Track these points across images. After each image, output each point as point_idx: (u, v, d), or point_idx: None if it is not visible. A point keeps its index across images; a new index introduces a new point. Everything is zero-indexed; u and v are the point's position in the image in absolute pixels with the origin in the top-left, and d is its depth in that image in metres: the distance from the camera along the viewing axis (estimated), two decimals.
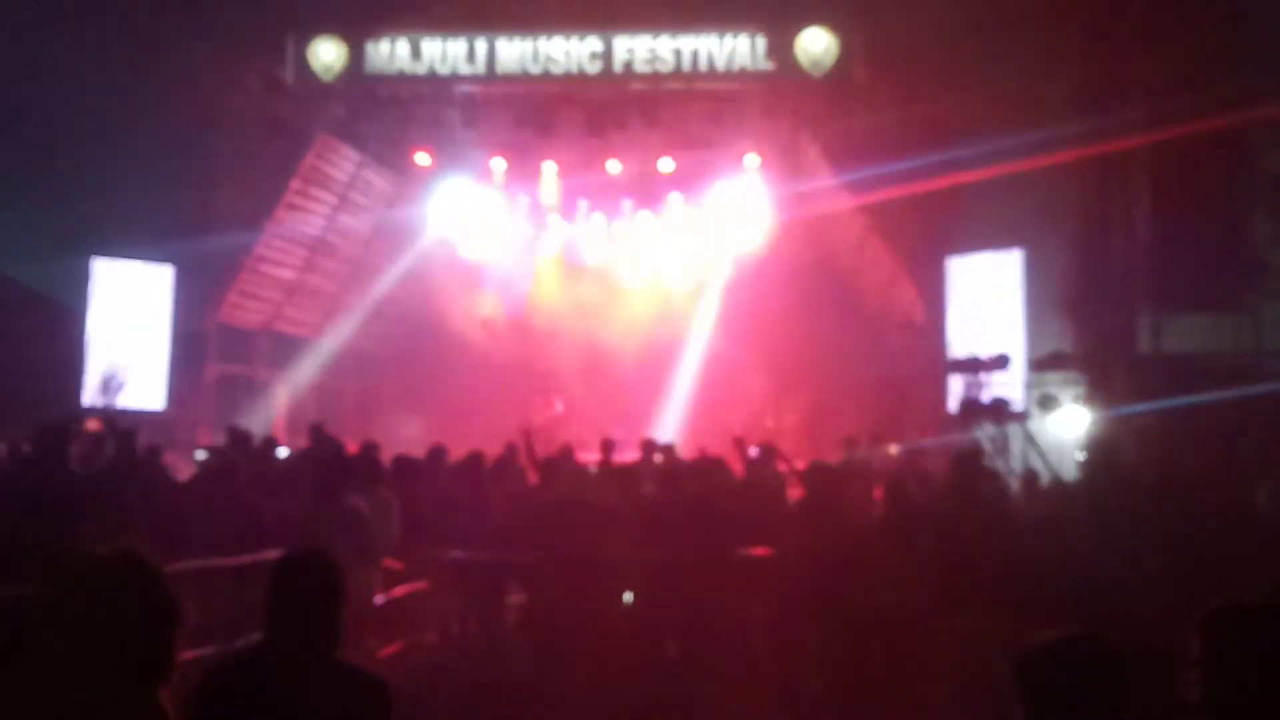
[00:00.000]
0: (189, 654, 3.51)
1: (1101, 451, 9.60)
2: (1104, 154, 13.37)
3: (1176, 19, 13.24)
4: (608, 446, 10.76)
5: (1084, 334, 13.61)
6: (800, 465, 8.89)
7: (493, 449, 10.50)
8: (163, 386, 16.88)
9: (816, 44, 16.06)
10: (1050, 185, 13.66)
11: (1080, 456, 11.27)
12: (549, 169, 19.52)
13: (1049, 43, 14.16)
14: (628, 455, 11.59)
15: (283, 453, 11.65)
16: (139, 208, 15.56)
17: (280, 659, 3.35)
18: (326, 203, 18.92)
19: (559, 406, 19.82)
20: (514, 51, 16.56)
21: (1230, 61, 12.86)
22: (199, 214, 16.69)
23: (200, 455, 10.51)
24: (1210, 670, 2.82)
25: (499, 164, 19.42)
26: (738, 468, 10.03)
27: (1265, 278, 12.88)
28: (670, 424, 18.94)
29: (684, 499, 7.88)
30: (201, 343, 17.43)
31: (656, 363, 20.54)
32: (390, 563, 7.80)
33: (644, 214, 20.70)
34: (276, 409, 18.94)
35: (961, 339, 16.02)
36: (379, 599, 7.54)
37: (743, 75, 16.30)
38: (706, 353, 20.33)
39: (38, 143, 14.05)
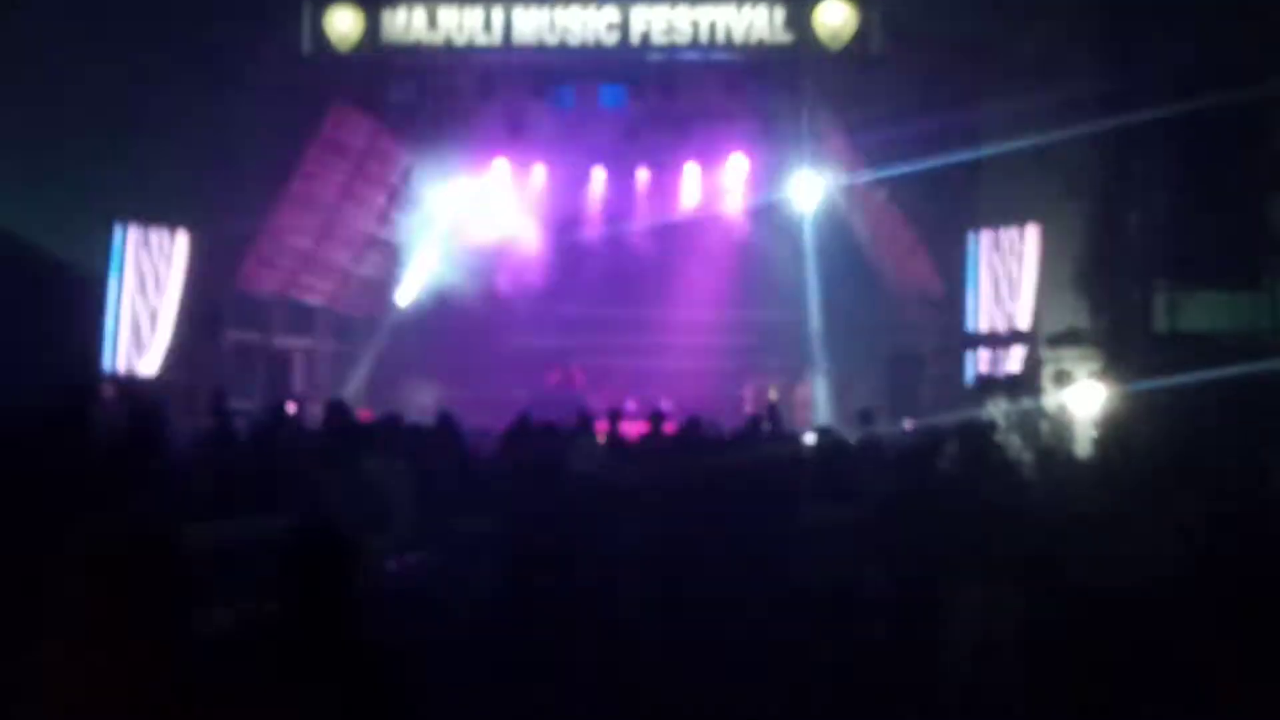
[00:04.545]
0: (202, 622, 3.56)
1: (1116, 428, 9.59)
2: (1123, 130, 13.28)
3: None
4: (615, 418, 10.79)
5: (1100, 310, 13.56)
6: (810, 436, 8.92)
7: (507, 420, 10.54)
8: (180, 354, 16.92)
9: (835, 16, 15.98)
10: (1069, 161, 13.58)
11: (1094, 433, 11.27)
12: (565, 140, 19.50)
13: (1070, 17, 14.05)
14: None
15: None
16: (157, 175, 15.60)
17: (292, 630, 3.39)
18: (343, 171, 18.93)
19: (577, 377, 19.90)
20: (530, 21, 16.52)
21: (1251, 38, 12.76)
22: (216, 182, 16.71)
23: (211, 426, 10.53)
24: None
25: (515, 134, 19.40)
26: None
27: None
28: (682, 394, 18.96)
29: (700, 470, 7.90)
30: (218, 310, 17.49)
31: (671, 332, 20.59)
32: (406, 533, 7.85)
33: (662, 184, 20.70)
34: (293, 376, 19.06)
35: (978, 313, 15.99)
36: (393, 567, 7.60)
37: (761, 47, 16.23)
38: (719, 322, 20.34)
39: (57, 110, 14.07)
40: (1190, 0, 12.89)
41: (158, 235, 16.65)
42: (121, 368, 16.12)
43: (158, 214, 16.53)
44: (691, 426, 9.60)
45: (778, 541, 7.14)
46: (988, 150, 14.49)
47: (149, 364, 16.49)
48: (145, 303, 16.64)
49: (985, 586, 5.94)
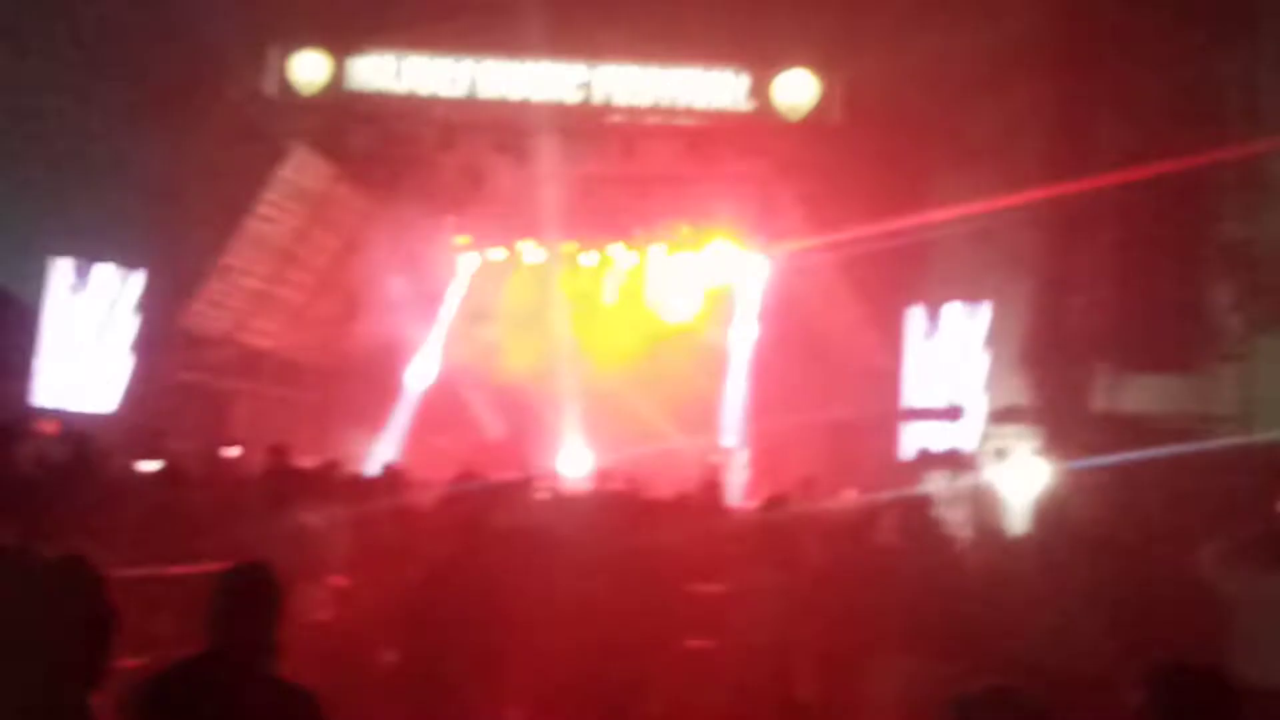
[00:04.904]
0: (127, 662, 3.52)
1: (1052, 505, 9.69)
2: (1070, 213, 13.60)
3: (1147, 84, 13.51)
4: (555, 474, 10.81)
5: (1041, 389, 13.77)
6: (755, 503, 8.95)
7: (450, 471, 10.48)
8: (121, 391, 16.69)
9: (797, 87, 16.25)
10: (1016, 241, 13.87)
11: (1031, 510, 11.39)
12: (524, 194, 19.55)
13: (1023, 100, 14.39)
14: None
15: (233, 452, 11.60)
16: (108, 210, 15.47)
17: (216, 671, 3.36)
18: (299, 215, 18.86)
19: (524, 434, 19.82)
20: (496, 76, 16.68)
21: (1196, 128, 13.16)
22: (170, 219, 16.58)
23: (149, 465, 10.42)
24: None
25: (475, 186, 19.41)
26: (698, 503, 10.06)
27: (1220, 342, 13.11)
28: (621, 454, 18.93)
29: (637, 534, 7.89)
30: (163, 349, 17.28)
31: (619, 393, 20.59)
32: (337, 580, 7.77)
33: (616, 244, 20.83)
34: (236, 419, 18.82)
35: (921, 387, 16.17)
36: (324, 616, 7.51)
37: (722, 113, 16.47)
38: (669, 384, 20.37)
39: (7, 141, 13.99)
40: (1137, 89, 13.26)
41: (105, 271, 16.48)
42: (63, 403, 15.86)
43: (107, 250, 16.37)
44: (633, 486, 9.62)
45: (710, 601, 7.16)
46: (937, 226, 14.75)
47: (92, 400, 16.25)
48: (89, 338, 16.43)
49: (914, 656, 5.98)
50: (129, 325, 16.74)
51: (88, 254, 16.34)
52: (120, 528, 7.55)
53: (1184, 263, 13.26)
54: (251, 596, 3.45)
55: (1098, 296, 13.56)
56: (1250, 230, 13.27)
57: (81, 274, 16.35)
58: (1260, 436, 12.05)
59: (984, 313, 15.65)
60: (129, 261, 16.60)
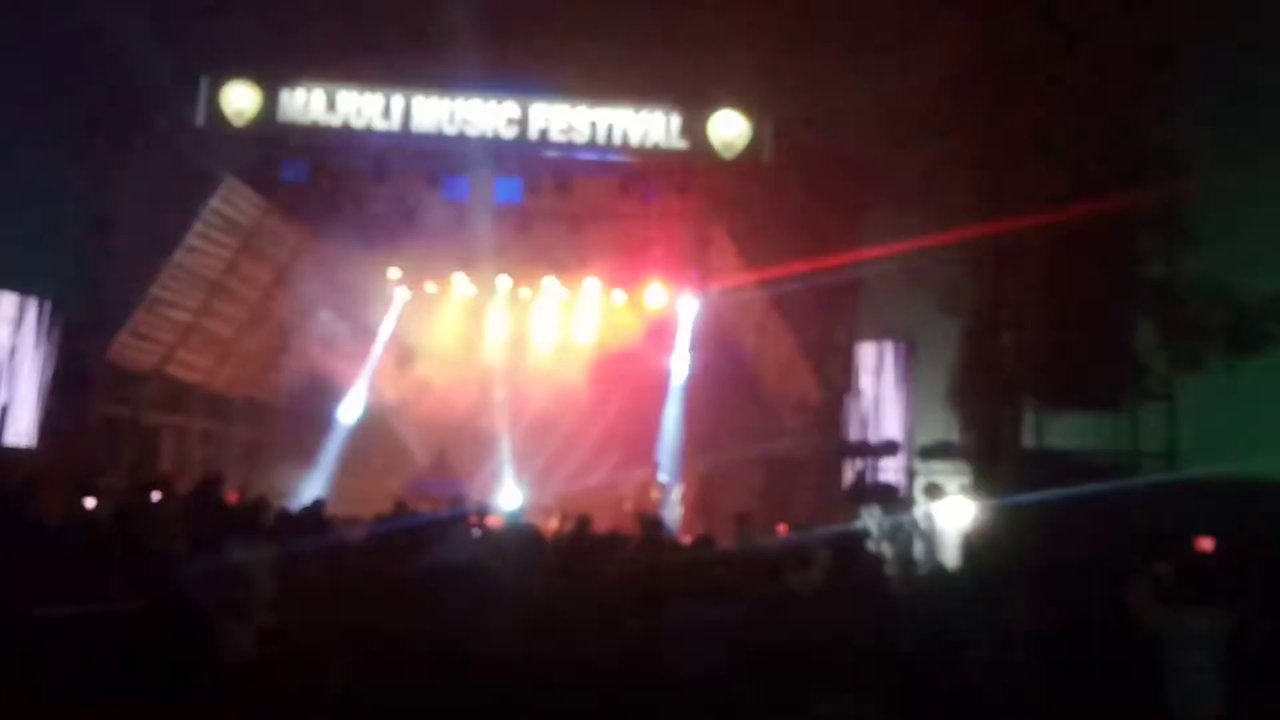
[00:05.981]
0: (45, 704, 3.42)
1: (981, 541, 9.81)
2: (998, 252, 13.82)
3: (1071, 128, 13.81)
4: (484, 512, 10.76)
5: (971, 425, 13.94)
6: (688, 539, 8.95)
7: (382, 507, 10.40)
8: (39, 426, 16.28)
9: (729, 126, 16.44)
10: (945, 279, 14.07)
11: (962, 544, 11.52)
12: (458, 227, 19.50)
13: (950, 141, 14.65)
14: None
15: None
16: (35, 240, 15.17)
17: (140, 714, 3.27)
18: (229, 247, 18.63)
19: (454, 465, 19.70)
20: (430, 110, 16.65)
21: (1120, 172, 13.46)
22: (94, 249, 16.29)
23: (90, 502, 10.19)
24: None
25: (407, 222, 19.31)
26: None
27: (1145, 381, 13.36)
28: (565, 490, 18.91)
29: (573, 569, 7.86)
30: (86, 382, 16.90)
31: (554, 427, 20.56)
32: (267, 619, 7.62)
33: (550, 279, 20.87)
34: (162, 454, 18.48)
35: (855, 423, 16.30)
36: (253, 656, 7.35)
37: (656, 151, 16.59)
38: (605, 419, 20.39)
39: None
40: (1060, 132, 13.54)
41: (29, 302, 16.11)
42: None
43: (33, 280, 16.03)
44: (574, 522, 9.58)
45: (645, 638, 7.12)
46: (868, 264, 14.93)
47: (11, 435, 15.84)
48: (11, 371, 16.02)
49: (847, 691, 5.99)
50: (52, 357, 16.34)
51: (12, 285, 15.97)
52: (40, 567, 7.35)
53: (1109, 302, 13.50)
54: (173, 637, 3.38)
55: (1026, 334, 13.78)
56: (1170, 270, 13.58)
57: (6, 305, 15.96)
58: (1184, 474, 12.31)
59: (915, 350, 15.85)
60: (55, 292, 16.24)
